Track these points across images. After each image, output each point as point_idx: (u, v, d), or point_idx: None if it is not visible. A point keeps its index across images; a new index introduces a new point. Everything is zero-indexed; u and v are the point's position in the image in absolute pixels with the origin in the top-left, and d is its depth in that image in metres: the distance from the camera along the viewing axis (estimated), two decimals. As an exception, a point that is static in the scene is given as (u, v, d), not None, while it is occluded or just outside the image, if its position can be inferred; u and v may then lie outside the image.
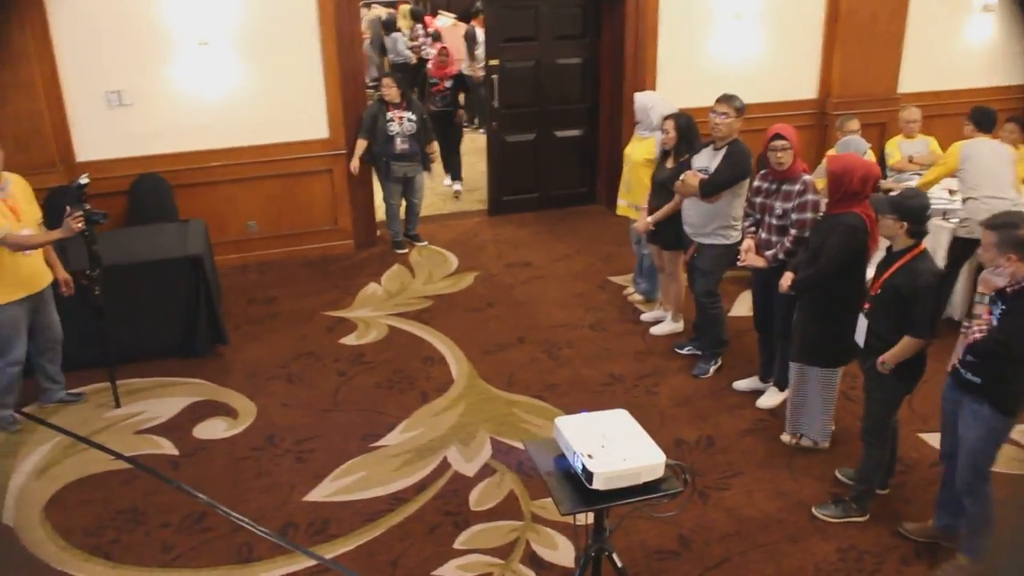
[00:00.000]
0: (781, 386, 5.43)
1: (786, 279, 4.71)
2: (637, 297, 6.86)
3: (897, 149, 7.91)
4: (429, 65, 10.32)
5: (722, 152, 5.42)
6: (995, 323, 3.61)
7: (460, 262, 7.69)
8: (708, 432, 5.17)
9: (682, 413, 5.37)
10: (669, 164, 5.91)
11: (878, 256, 4.44)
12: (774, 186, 5.01)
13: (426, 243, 8.16)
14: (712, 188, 5.37)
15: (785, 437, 5.06)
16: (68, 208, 4.95)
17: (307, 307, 6.79)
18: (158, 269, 5.84)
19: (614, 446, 3.38)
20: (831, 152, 7.33)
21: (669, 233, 5.97)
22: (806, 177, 4.93)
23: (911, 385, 4.24)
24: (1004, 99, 9.59)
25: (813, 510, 4.49)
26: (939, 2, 9.24)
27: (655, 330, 6.37)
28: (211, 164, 7.25)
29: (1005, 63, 9.75)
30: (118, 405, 5.44)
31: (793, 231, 4.87)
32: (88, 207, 4.99)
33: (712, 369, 5.82)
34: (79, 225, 4.91)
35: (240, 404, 5.49)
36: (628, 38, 8.24)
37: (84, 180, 5.11)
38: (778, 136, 4.91)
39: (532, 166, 8.70)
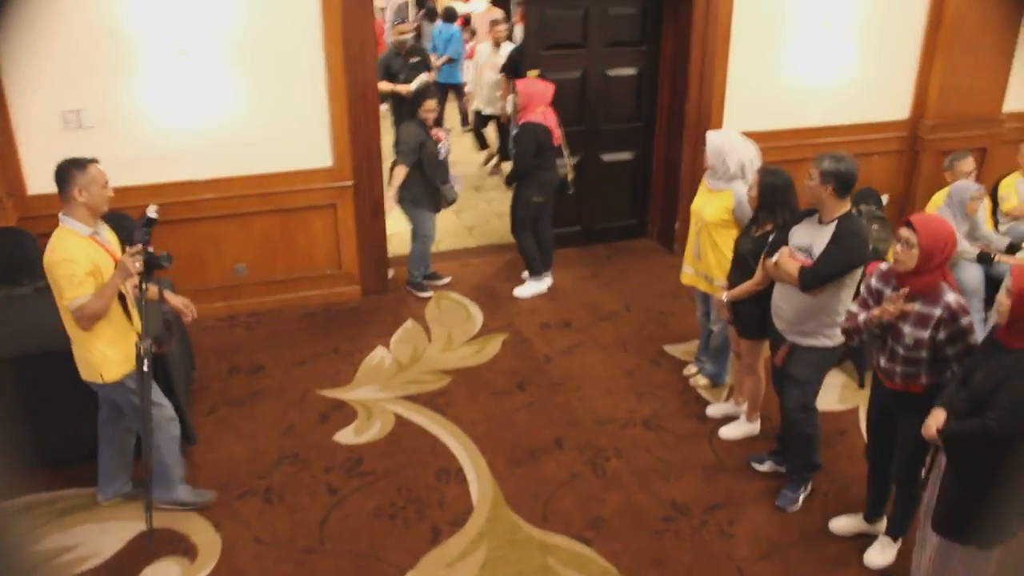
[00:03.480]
0: (895, 535, 4.18)
1: (935, 420, 3.45)
2: (701, 381, 5.59)
3: (1015, 191, 6.56)
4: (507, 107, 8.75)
5: (829, 229, 4.12)
6: None
7: (486, 318, 6.45)
8: (804, 608, 3.93)
9: (768, 571, 4.12)
10: (753, 231, 4.65)
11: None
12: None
13: (447, 279, 6.98)
14: (816, 281, 4.08)
15: (908, 623, 3.82)
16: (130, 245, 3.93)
17: (299, 381, 5.59)
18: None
19: None
20: (938, 198, 6.01)
21: (750, 317, 4.70)
22: (950, 297, 3.62)
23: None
24: None
25: None
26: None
27: (726, 432, 5.11)
28: (191, 198, 6.02)
29: None
30: (150, 531, 4.23)
31: (954, 366, 3.63)
32: (151, 248, 3.95)
33: (801, 498, 4.56)
34: (137, 266, 3.87)
35: (202, 537, 4.29)
36: (694, 47, 6.89)
37: (153, 213, 4.03)
38: (907, 224, 3.65)
39: (575, 194, 7.41)
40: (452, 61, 10.69)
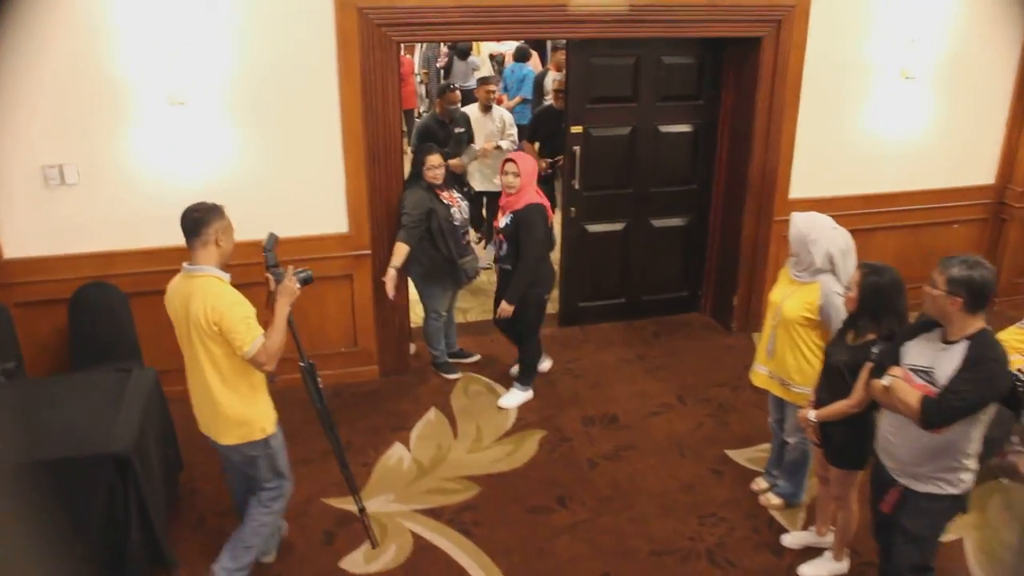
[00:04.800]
0: None
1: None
2: (774, 500, 4.74)
3: None
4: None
5: (958, 351, 3.30)
6: None
7: (520, 409, 5.65)
8: None
9: None
10: (850, 339, 3.84)
11: None
12: None
13: (476, 357, 6.24)
14: (945, 418, 3.25)
15: None
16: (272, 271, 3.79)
17: (304, 485, 4.79)
18: (66, 469, 3.87)
19: None
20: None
21: (846, 444, 3.89)
22: None
23: None
24: None
25: None
26: None
27: (807, 572, 4.25)
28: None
29: None
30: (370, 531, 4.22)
31: None
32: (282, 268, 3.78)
33: (905, 669, 3.72)
34: (297, 287, 3.78)
35: None
36: (760, 101, 6.11)
37: (275, 234, 3.89)
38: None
39: (620, 263, 6.63)
40: (525, 101, 9.99)
